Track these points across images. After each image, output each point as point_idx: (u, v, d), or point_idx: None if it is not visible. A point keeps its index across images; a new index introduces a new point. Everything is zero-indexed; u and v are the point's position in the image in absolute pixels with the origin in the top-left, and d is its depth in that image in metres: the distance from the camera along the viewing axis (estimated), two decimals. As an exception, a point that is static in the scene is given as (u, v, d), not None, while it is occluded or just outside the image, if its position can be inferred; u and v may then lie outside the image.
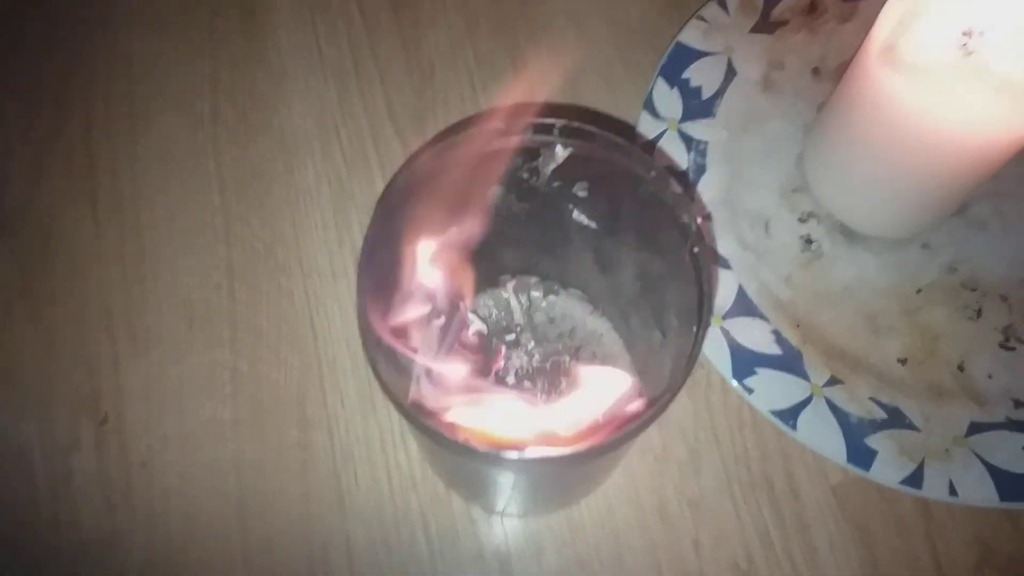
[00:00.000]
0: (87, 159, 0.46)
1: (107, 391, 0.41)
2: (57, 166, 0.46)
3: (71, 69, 0.48)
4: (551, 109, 0.46)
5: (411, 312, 0.32)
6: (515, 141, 0.30)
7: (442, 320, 0.34)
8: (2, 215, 0.45)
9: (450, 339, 0.34)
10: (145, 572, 0.38)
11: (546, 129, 0.30)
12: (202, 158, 0.46)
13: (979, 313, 0.41)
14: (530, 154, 0.31)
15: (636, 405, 0.31)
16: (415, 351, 0.30)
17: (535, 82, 0.48)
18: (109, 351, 0.42)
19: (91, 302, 0.43)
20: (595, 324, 0.41)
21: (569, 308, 0.41)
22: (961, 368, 0.40)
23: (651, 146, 0.43)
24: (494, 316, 0.41)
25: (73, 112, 0.47)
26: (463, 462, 0.30)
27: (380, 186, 0.46)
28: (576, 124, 0.29)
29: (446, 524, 0.39)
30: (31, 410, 0.41)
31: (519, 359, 0.40)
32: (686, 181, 0.43)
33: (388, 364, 0.30)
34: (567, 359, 0.40)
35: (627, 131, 0.44)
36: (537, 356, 0.40)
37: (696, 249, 0.28)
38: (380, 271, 0.30)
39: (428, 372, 0.31)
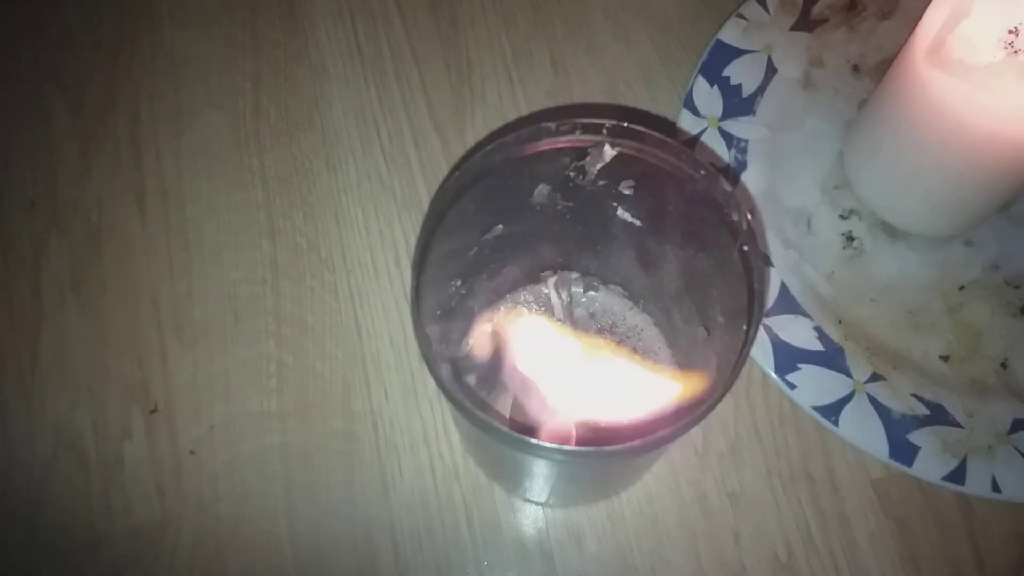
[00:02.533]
0: (133, 155, 0.47)
1: (156, 381, 0.42)
2: (104, 163, 0.47)
3: (117, 67, 0.49)
4: (593, 109, 0.47)
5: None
6: (563, 141, 0.30)
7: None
8: (52, 210, 0.46)
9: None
10: (195, 555, 0.39)
11: (594, 129, 0.30)
12: (245, 154, 0.47)
13: (1022, 311, 0.41)
14: (577, 153, 0.31)
15: (684, 402, 0.31)
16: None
17: (573, 80, 0.48)
18: (157, 343, 0.43)
19: (140, 295, 0.44)
20: (636, 319, 0.41)
21: (609, 303, 0.41)
22: (1004, 365, 0.40)
23: (693, 143, 0.43)
24: (535, 311, 0.41)
25: (119, 109, 0.48)
26: (507, 453, 0.31)
27: (420, 182, 0.46)
28: (625, 124, 0.30)
29: (488, 513, 0.39)
30: (83, 399, 0.42)
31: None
32: (729, 179, 0.43)
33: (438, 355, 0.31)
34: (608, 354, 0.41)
35: (668, 129, 0.45)
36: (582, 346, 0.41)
37: (746, 248, 0.28)
38: (430, 270, 0.30)
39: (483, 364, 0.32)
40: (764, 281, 0.40)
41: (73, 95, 0.48)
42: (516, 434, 0.26)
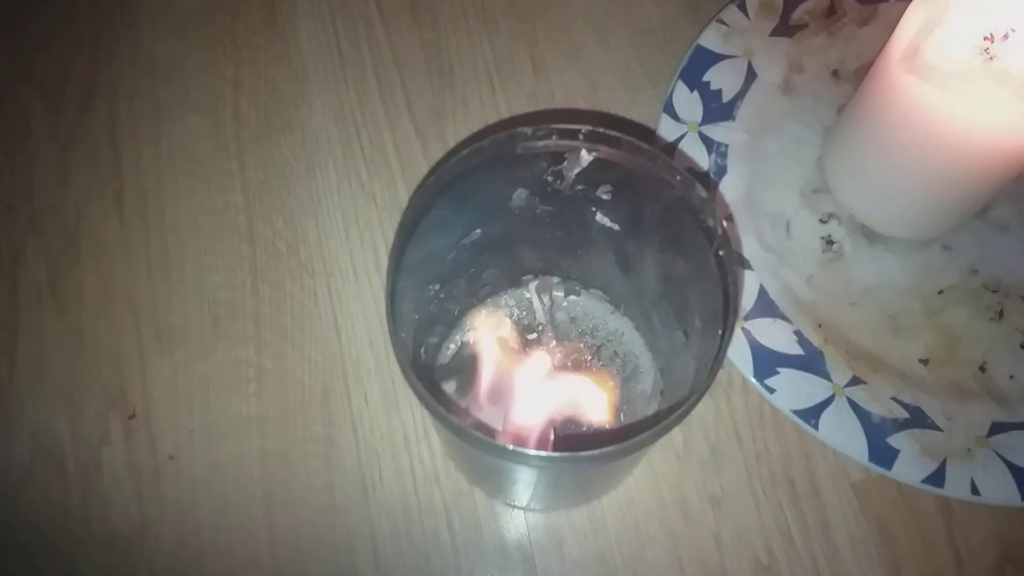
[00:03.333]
0: (112, 159, 0.47)
1: (135, 387, 0.42)
2: (83, 166, 0.47)
3: (96, 70, 0.49)
4: (572, 114, 0.47)
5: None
6: (540, 146, 0.30)
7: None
8: (30, 214, 0.45)
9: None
10: (174, 561, 0.39)
11: (571, 134, 0.30)
12: (225, 158, 0.47)
13: (1000, 314, 0.41)
14: (555, 158, 0.31)
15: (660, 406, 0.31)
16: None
17: (554, 84, 0.48)
18: (136, 348, 0.42)
19: (118, 300, 0.43)
20: (616, 323, 0.41)
21: (590, 308, 0.42)
22: (983, 369, 0.40)
23: (673, 148, 0.43)
24: (516, 315, 0.41)
25: (98, 113, 0.48)
26: (487, 459, 0.31)
27: (400, 186, 0.46)
28: (601, 130, 0.30)
29: (469, 518, 0.39)
30: (61, 405, 0.41)
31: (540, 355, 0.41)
32: (708, 184, 0.43)
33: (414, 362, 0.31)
34: (588, 357, 0.41)
35: (647, 135, 0.45)
36: (559, 354, 0.41)
37: (721, 252, 0.28)
38: (407, 274, 0.30)
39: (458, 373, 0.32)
40: (739, 286, 0.40)
41: (51, 98, 0.48)
42: (492, 440, 0.26)
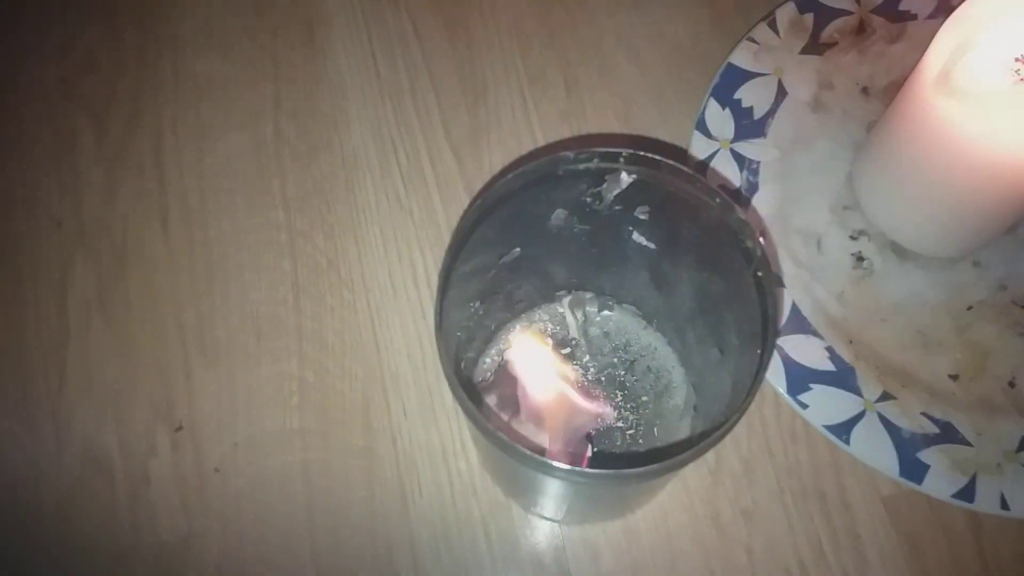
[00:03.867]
0: (157, 177, 0.48)
1: (181, 400, 0.43)
2: (129, 183, 0.48)
3: (140, 90, 0.50)
4: (606, 137, 0.48)
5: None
6: (582, 168, 0.31)
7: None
8: (79, 231, 0.47)
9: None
10: (219, 571, 0.40)
11: (612, 157, 0.31)
12: (266, 176, 0.48)
13: (1029, 330, 0.42)
14: (595, 180, 0.32)
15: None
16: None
17: (587, 102, 0.49)
18: (182, 362, 0.44)
19: (164, 314, 0.45)
20: (649, 338, 0.42)
21: (623, 323, 0.42)
22: (1012, 384, 0.41)
23: (704, 166, 0.44)
24: (550, 330, 0.42)
25: (143, 131, 0.49)
26: (525, 471, 0.31)
27: (437, 202, 0.47)
28: (641, 152, 0.31)
29: (506, 529, 0.40)
30: (110, 418, 0.43)
31: (574, 372, 0.41)
32: (742, 202, 0.44)
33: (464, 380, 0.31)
34: (621, 372, 0.41)
35: (680, 154, 0.46)
36: (592, 369, 0.41)
37: (760, 274, 0.29)
38: (453, 290, 0.31)
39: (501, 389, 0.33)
40: (777, 307, 0.41)
41: (98, 117, 0.50)
42: (536, 456, 0.27)
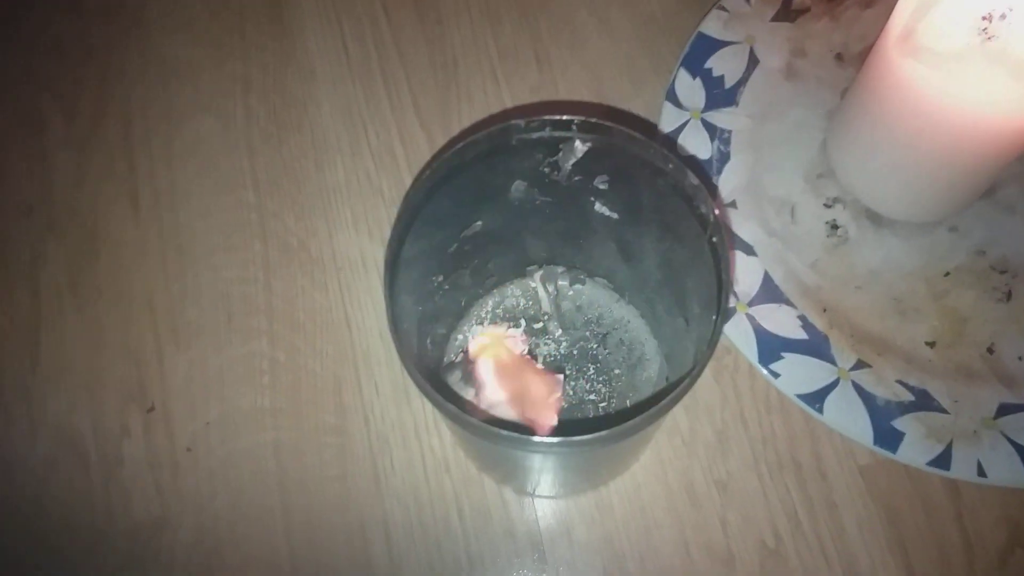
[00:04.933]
0: (126, 160, 0.48)
1: (153, 381, 0.43)
2: (99, 167, 0.48)
3: (108, 74, 0.50)
4: (572, 106, 0.47)
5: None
6: (535, 137, 0.31)
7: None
8: (49, 216, 0.47)
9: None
10: (193, 551, 0.40)
11: (564, 125, 0.31)
12: (236, 157, 0.48)
13: (1009, 296, 0.41)
14: (550, 149, 0.32)
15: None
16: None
17: (558, 75, 0.49)
18: (153, 343, 0.44)
19: (135, 297, 0.45)
20: (621, 311, 0.42)
21: (595, 296, 0.42)
22: (991, 350, 0.40)
23: (671, 139, 0.43)
24: (522, 305, 0.42)
25: (112, 115, 0.49)
26: (492, 446, 0.31)
27: (407, 180, 0.47)
28: (593, 120, 0.30)
29: (479, 504, 0.40)
30: (83, 400, 0.43)
31: (547, 346, 0.41)
32: (707, 171, 0.43)
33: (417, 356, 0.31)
34: (594, 345, 0.41)
35: (647, 126, 0.45)
36: (565, 343, 0.41)
37: (715, 239, 0.29)
38: (408, 267, 0.31)
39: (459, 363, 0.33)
40: (731, 272, 0.40)
41: (66, 103, 0.49)
42: (491, 427, 0.26)
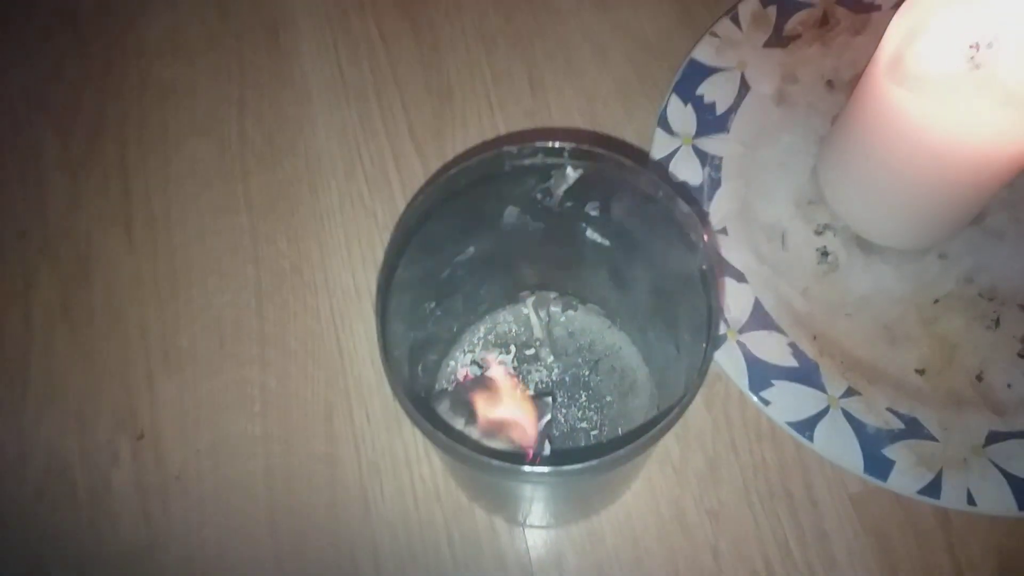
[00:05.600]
0: (121, 184, 0.48)
1: (143, 407, 0.43)
2: (93, 191, 0.48)
3: (105, 98, 0.50)
4: (565, 132, 0.47)
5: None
6: (527, 164, 0.31)
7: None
8: (43, 239, 0.47)
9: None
10: (181, 579, 0.39)
11: (556, 152, 0.31)
12: (230, 180, 0.48)
13: (997, 323, 0.41)
14: (542, 176, 0.32)
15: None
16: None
17: (552, 100, 0.49)
18: (145, 369, 0.43)
19: (128, 322, 0.45)
20: (614, 338, 0.42)
21: (588, 323, 0.42)
22: (980, 378, 0.40)
23: (662, 165, 0.43)
24: (514, 331, 0.42)
25: (108, 139, 0.49)
26: (482, 475, 0.31)
27: (401, 205, 0.47)
28: (585, 147, 0.30)
29: (469, 534, 0.40)
30: (73, 426, 0.42)
31: (539, 372, 0.41)
32: (698, 197, 0.43)
33: (408, 383, 0.31)
34: (586, 372, 0.41)
35: (639, 153, 0.45)
36: (557, 369, 0.41)
37: (705, 266, 0.29)
38: (400, 293, 0.31)
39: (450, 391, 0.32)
40: (721, 300, 0.40)
41: (62, 125, 0.50)
42: (480, 456, 0.26)
